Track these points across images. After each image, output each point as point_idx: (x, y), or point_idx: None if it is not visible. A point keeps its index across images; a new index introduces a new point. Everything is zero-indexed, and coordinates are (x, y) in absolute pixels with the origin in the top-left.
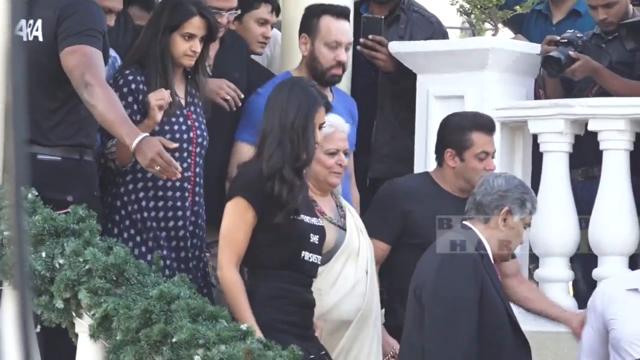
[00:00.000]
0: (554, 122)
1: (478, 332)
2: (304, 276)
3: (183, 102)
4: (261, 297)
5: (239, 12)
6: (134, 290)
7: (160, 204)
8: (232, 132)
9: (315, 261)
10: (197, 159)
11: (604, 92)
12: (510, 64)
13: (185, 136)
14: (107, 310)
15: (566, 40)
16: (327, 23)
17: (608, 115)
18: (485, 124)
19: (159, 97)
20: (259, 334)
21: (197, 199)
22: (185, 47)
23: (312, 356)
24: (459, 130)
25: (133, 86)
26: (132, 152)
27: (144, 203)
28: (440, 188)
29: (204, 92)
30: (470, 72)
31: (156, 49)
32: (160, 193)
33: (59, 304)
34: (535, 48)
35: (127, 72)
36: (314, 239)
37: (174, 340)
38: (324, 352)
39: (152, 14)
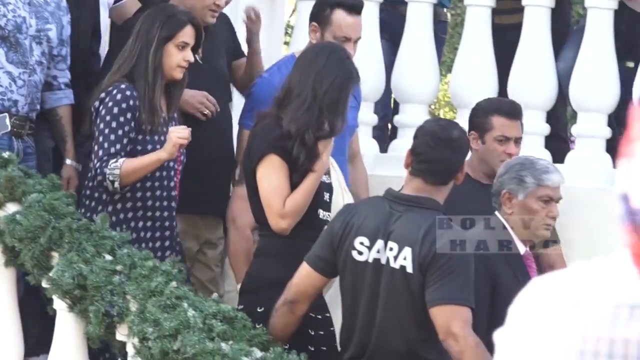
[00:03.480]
0: None
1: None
2: (318, 233)
3: (166, 117)
4: (274, 254)
5: None
6: None
7: (149, 224)
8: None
9: (327, 218)
10: (180, 177)
11: None
12: None
13: None
14: None
15: None
16: (339, 17)
17: None
18: (506, 109)
19: (182, 137)
20: None
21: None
22: (179, 57)
23: (312, 314)
24: (481, 114)
25: (131, 102)
26: None
27: (132, 223)
28: (470, 178)
29: (175, 109)
30: None
31: (148, 62)
32: (149, 213)
33: None
34: None
35: (123, 86)
36: (326, 196)
37: None
38: (328, 315)
39: (138, 26)
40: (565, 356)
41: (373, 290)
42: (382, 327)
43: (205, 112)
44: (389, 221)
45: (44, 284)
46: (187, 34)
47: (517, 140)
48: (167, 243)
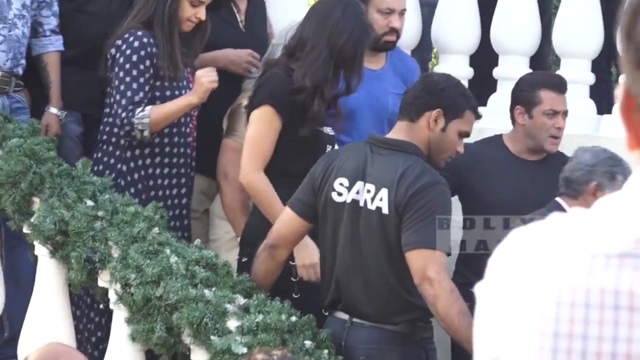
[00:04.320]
0: None
1: None
2: None
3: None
4: None
5: None
6: None
7: (166, 170)
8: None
9: None
10: (195, 123)
11: None
12: None
13: None
14: None
15: None
16: None
17: None
18: (554, 83)
19: (212, 80)
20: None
21: (193, 163)
22: (191, 12)
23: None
24: (528, 88)
25: (149, 49)
26: None
27: (150, 170)
28: (507, 151)
29: (194, 58)
30: None
31: (165, 13)
32: (167, 160)
33: None
34: None
35: (140, 33)
36: (329, 148)
37: None
38: None
39: None
40: (542, 307)
41: (351, 233)
42: (362, 270)
43: (252, 71)
44: (367, 163)
45: (25, 230)
46: None
47: (565, 114)
48: (183, 190)
